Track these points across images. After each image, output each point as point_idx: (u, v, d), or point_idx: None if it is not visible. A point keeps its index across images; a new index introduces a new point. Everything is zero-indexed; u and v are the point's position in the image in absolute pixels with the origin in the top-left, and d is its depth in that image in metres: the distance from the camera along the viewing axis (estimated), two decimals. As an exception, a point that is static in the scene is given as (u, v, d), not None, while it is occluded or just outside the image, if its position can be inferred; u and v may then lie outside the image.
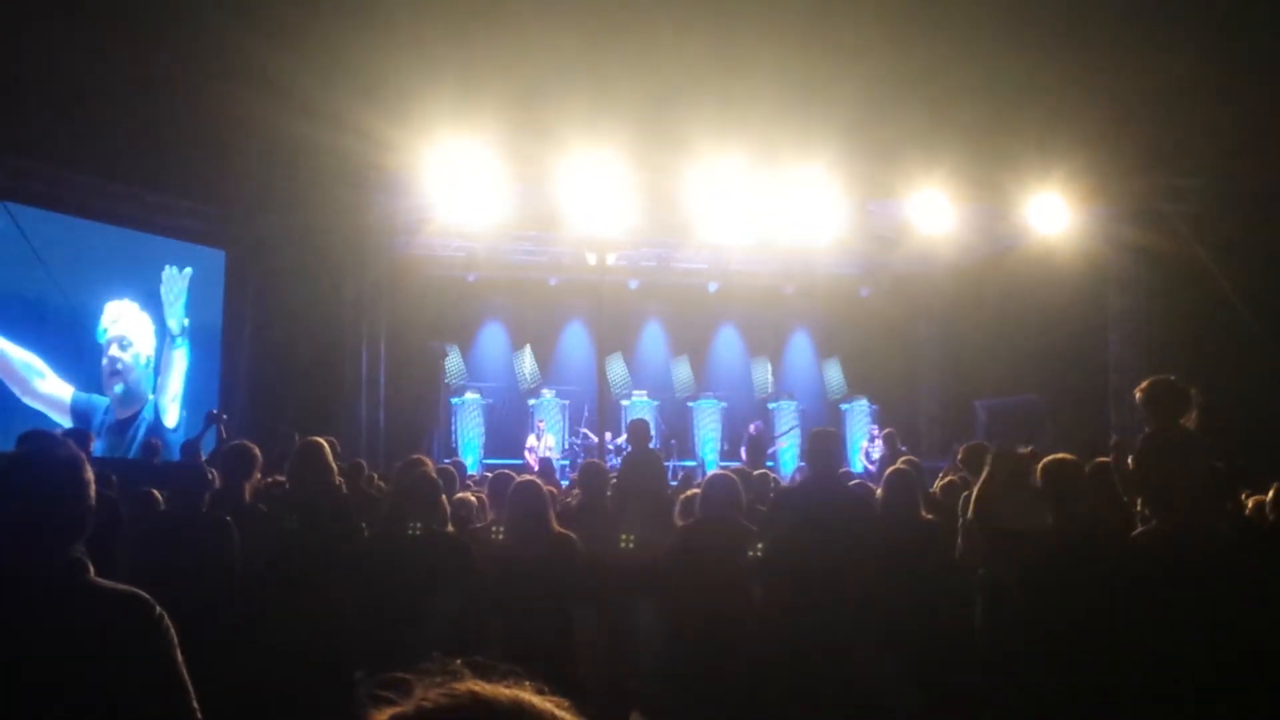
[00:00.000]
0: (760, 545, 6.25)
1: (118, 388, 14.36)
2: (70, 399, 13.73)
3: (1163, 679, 4.43)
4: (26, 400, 13.20)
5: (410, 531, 5.76)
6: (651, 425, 12.81)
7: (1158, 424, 5.53)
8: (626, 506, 8.04)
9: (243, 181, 13.98)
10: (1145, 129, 12.78)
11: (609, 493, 7.93)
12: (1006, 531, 5.39)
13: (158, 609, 2.68)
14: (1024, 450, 7.57)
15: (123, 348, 14.41)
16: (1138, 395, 5.67)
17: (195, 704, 2.68)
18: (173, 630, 2.68)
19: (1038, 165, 14.04)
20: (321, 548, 5.98)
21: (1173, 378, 5.68)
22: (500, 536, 6.28)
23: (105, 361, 14.28)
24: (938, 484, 8.31)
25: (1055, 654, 4.85)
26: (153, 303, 14.88)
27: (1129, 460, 5.57)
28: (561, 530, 6.13)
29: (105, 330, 14.28)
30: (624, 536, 6.46)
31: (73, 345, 13.90)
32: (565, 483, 13.35)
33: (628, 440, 10.85)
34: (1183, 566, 4.46)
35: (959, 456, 7.72)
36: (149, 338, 14.80)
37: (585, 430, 19.42)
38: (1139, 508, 5.60)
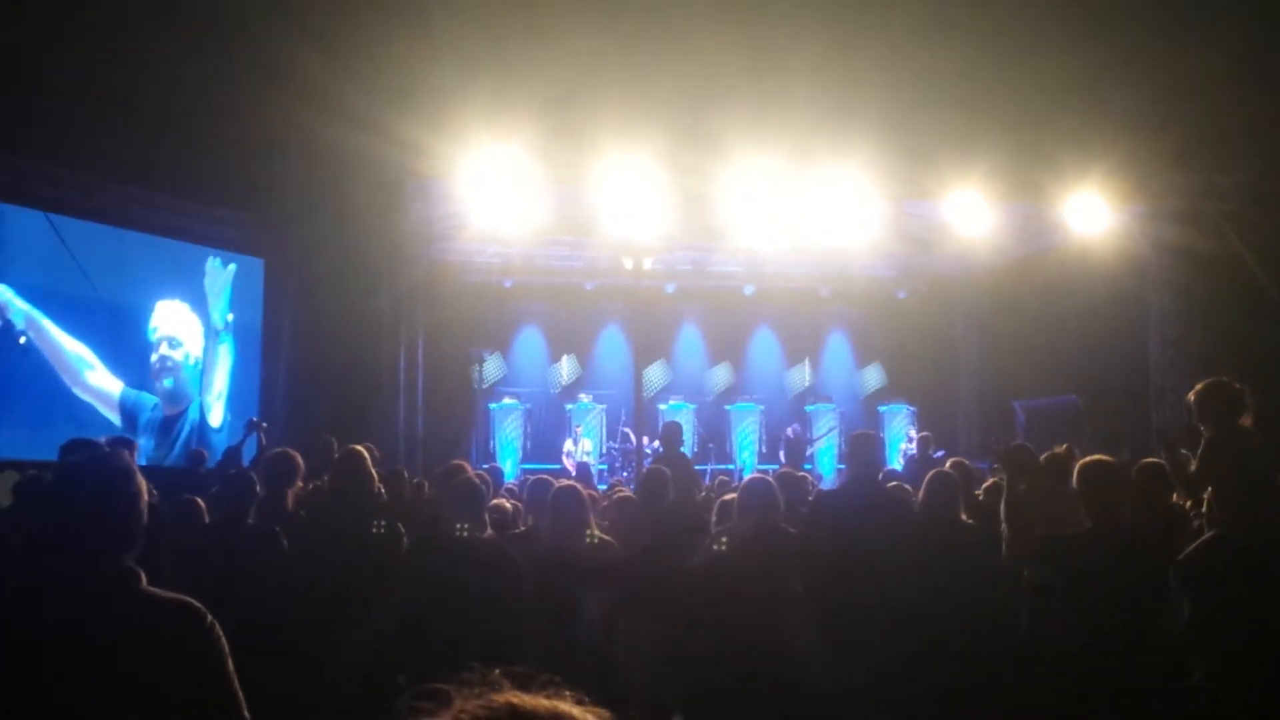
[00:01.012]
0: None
1: (167, 382, 14.58)
2: (119, 394, 13.95)
3: (1240, 683, 4.39)
4: (76, 391, 13.42)
5: (458, 531, 5.76)
6: (688, 429, 12.75)
7: (1218, 427, 5.45)
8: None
9: (280, 189, 14.08)
10: (1185, 125, 12.62)
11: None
12: (1044, 535, 5.34)
13: (209, 618, 2.71)
14: (1060, 449, 7.51)
15: (172, 346, 14.67)
16: (1193, 397, 5.59)
17: (246, 713, 2.71)
18: (224, 639, 2.71)
19: (1075, 163, 13.91)
20: (363, 554, 6.02)
21: (1228, 380, 5.60)
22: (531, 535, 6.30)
23: (155, 358, 14.51)
24: (983, 486, 8.23)
25: (1103, 658, 4.80)
26: (199, 305, 15.08)
27: (1190, 462, 5.51)
28: (601, 536, 6.14)
29: (155, 329, 14.52)
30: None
31: (122, 343, 14.13)
32: (603, 487, 13.34)
33: (660, 442, 10.83)
34: (1257, 569, 4.42)
35: (999, 456, 7.65)
36: (198, 339, 15.02)
37: (626, 430, 19.33)
38: (1198, 509, 5.54)
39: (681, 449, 10.69)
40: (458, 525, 5.75)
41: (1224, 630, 4.49)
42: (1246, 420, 5.57)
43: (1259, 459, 5.34)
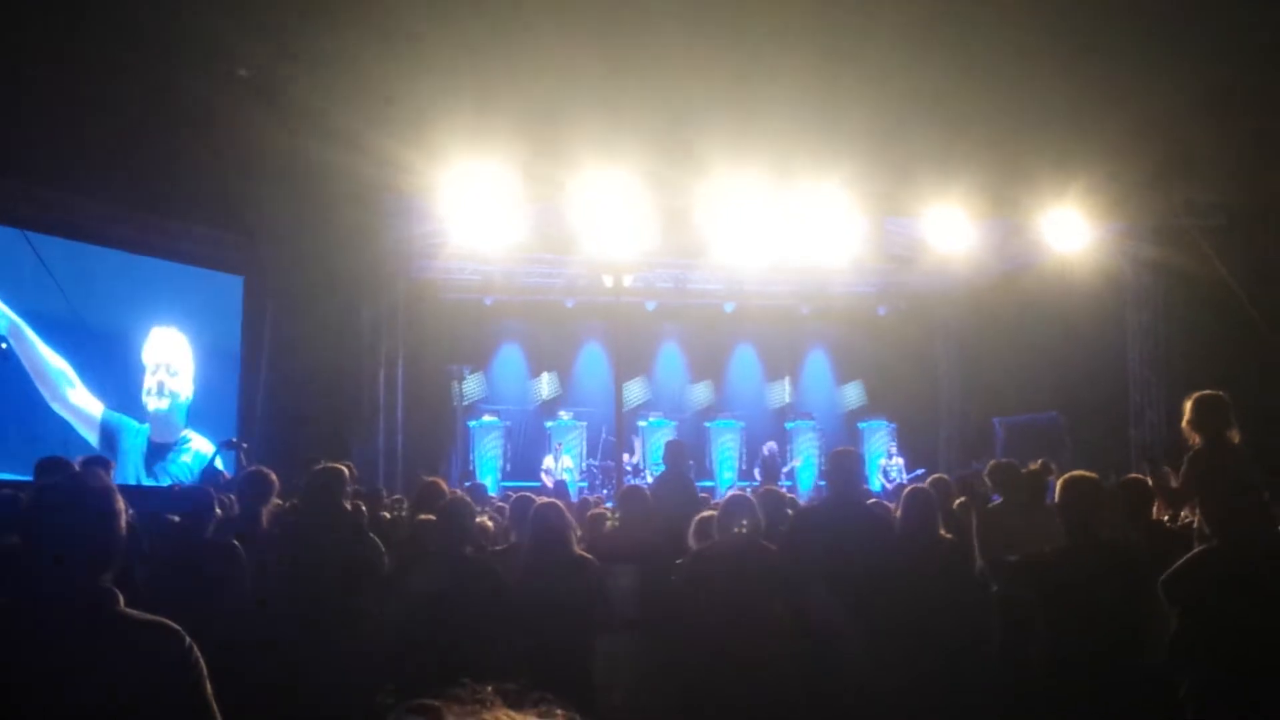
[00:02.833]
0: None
1: (162, 407, 14.36)
2: (101, 415, 13.71)
3: (1227, 696, 4.39)
4: (55, 407, 13.18)
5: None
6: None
7: (1207, 439, 5.48)
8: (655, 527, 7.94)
9: (259, 206, 14.00)
10: (1165, 142, 12.68)
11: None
12: (1021, 552, 5.34)
13: (187, 639, 2.68)
14: (1035, 465, 7.55)
15: (170, 374, 14.47)
16: (1186, 409, 5.62)
17: None
18: (202, 660, 2.67)
19: (1055, 180, 13.95)
20: (340, 572, 5.97)
21: (1220, 393, 5.63)
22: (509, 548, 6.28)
23: (151, 383, 14.27)
24: (956, 502, 8.25)
25: (1080, 675, 4.79)
26: (193, 331, 14.96)
27: (1179, 474, 5.54)
28: (581, 553, 6.12)
29: (151, 354, 14.30)
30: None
31: (107, 365, 13.89)
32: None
33: (664, 459, 10.68)
34: (1244, 581, 4.43)
35: (985, 473, 7.67)
36: (189, 371, 14.83)
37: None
38: (1186, 522, 5.57)
39: (684, 467, 10.38)
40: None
41: (1211, 642, 4.49)
42: (1234, 435, 5.61)
43: (1247, 472, 5.38)
